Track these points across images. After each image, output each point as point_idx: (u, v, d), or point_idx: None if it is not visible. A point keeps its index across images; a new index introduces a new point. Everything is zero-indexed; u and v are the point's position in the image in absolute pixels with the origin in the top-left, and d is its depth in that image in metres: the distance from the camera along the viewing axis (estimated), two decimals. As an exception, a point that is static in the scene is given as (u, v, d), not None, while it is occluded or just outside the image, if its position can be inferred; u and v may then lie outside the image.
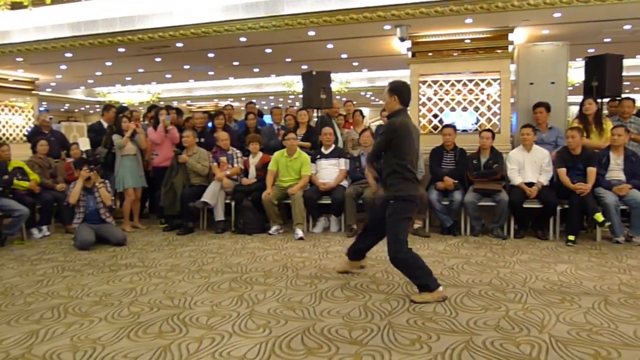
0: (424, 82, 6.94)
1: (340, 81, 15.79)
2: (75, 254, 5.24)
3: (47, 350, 2.84)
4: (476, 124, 6.89)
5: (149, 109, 7.92)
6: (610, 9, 6.30)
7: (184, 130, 6.74)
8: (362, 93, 17.70)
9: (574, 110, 7.98)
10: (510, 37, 6.86)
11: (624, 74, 6.44)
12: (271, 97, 19.49)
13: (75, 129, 16.48)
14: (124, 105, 10.72)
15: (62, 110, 21.25)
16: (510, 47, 6.83)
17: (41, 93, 12.92)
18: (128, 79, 13.89)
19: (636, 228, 5.32)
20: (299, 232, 5.86)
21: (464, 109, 6.94)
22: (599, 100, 6.19)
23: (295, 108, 8.16)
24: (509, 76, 6.78)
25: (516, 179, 5.79)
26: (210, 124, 7.53)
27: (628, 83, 14.50)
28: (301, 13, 6.69)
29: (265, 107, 17.09)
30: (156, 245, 5.70)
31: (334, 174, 6.37)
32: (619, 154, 5.60)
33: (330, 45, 8.68)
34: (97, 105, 19.70)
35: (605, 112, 6.56)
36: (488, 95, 6.78)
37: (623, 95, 6.45)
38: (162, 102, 16.34)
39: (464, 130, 6.84)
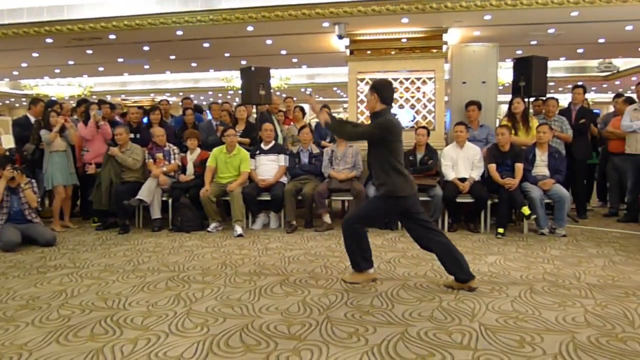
0: (362, 80, 7.06)
1: (280, 77, 15.78)
2: (-2, 256, 4.95)
3: (-34, 358, 2.67)
4: (412, 121, 7.08)
5: (78, 102, 7.56)
6: (536, 13, 6.67)
7: (117, 125, 6.50)
8: (302, 89, 17.79)
9: (504, 108, 8.36)
10: (445, 37, 7.11)
11: (548, 75, 6.81)
12: (210, 93, 19.23)
13: (-1, 124, 15.53)
14: (53, 99, 10.18)
15: (-16, 103, 20.03)
16: (444, 47, 7.07)
17: (-40, 85, 12.13)
18: (57, 71, 13.26)
19: (559, 220, 5.66)
20: (238, 229, 5.81)
21: (401, 107, 7.11)
22: (526, 100, 6.50)
23: (228, 104, 8.05)
24: (443, 75, 7.02)
25: (450, 174, 5.98)
26: (145, 120, 7.30)
27: (552, 84, 15.42)
28: (239, 8, 6.63)
29: (204, 103, 16.81)
30: (88, 245, 5.47)
31: (274, 170, 6.35)
32: (543, 150, 5.91)
33: (269, 41, 8.66)
34: (24, 99, 18.72)
35: (531, 110, 6.91)
36: (424, 93, 6.99)
37: (548, 95, 6.80)
38: (94, 97, 15.74)
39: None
